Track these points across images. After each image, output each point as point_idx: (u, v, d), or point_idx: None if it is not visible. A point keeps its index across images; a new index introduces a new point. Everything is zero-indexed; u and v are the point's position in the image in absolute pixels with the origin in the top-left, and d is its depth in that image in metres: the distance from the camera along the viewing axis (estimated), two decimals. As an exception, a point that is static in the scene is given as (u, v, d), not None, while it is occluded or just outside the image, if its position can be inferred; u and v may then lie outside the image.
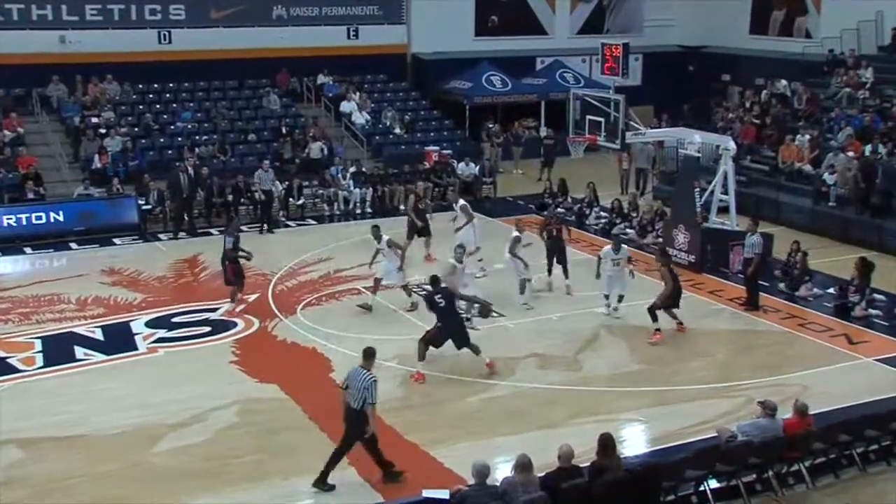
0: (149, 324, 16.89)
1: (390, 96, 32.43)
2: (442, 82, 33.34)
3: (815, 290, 18.47)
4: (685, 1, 36.55)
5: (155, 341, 16.11)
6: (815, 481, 11.42)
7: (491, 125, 31.41)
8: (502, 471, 10.77)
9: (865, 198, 22.32)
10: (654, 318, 16.12)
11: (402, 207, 25.71)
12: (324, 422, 12.88)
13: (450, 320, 14.53)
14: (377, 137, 29.66)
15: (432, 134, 30.68)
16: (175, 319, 17.12)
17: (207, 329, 16.67)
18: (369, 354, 11.44)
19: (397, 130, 30.15)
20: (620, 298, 17.41)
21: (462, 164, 27.53)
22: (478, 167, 27.76)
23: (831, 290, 18.33)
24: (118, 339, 16.14)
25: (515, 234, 18.06)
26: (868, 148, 23.73)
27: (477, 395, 13.89)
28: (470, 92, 32.34)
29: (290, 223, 24.57)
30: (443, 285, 15.00)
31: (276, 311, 17.58)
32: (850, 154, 23.71)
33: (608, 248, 17.50)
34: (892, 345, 16.03)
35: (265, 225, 23.54)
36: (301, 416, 13.21)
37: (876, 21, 29.32)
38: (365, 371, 11.17)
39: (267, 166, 24.07)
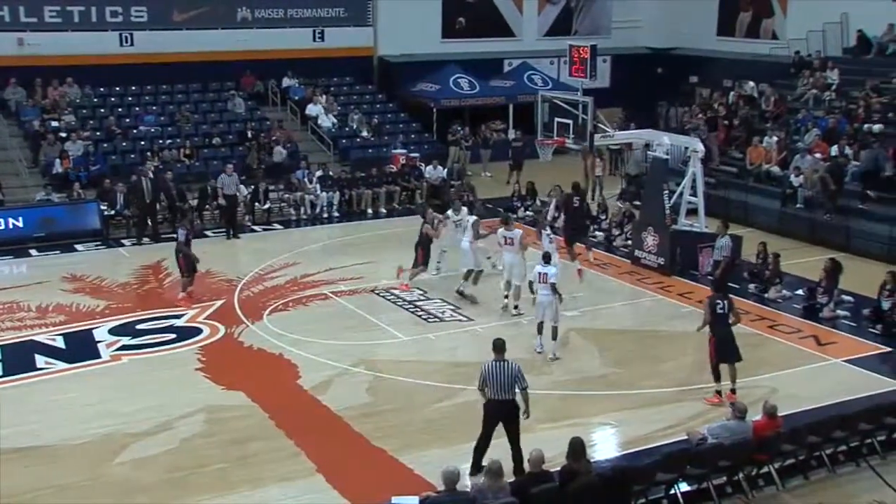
0: (112, 331, 16.71)
1: (357, 99, 32.40)
2: (409, 85, 33.34)
3: (785, 291, 18.66)
4: (653, 2, 36.84)
5: (118, 349, 15.94)
6: (784, 483, 11.52)
7: (459, 128, 31.42)
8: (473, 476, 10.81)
9: (834, 200, 22.57)
10: (717, 377, 13.73)
11: (378, 211, 25.80)
12: (291, 429, 12.84)
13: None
14: (344, 141, 29.61)
15: (400, 137, 30.69)
16: (139, 326, 16.97)
17: (172, 336, 16.54)
18: (500, 347, 11.56)
19: (364, 133, 30.11)
20: (555, 333, 15.60)
21: (430, 168, 27.54)
22: (445, 170, 27.79)
23: (800, 292, 18.51)
24: (80, 348, 15.96)
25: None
26: (835, 149, 24.02)
27: (447, 400, 13.89)
28: (437, 94, 32.36)
29: (255, 228, 24.41)
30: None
31: (243, 317, 17.47)
32: (818, 156, 23.98)
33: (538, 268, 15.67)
34: (860, 346, 16.24)
35: (231, 230, 23.40)
36: (268, 423, 13.13)
37: (841, 23, 29.70)
38: (504, 362, 11.34)
39: (230, 170, 23.88)
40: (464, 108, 32.86)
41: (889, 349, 16.12)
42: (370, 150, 29.45)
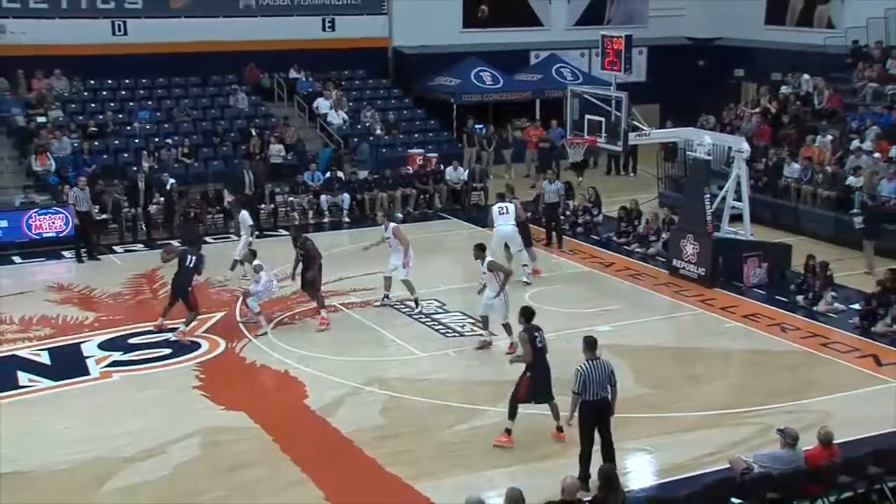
0: (102, 346, 16.78)
1: (370, 94, 32.51)
2: (426, 79, 33.43)
3: (838, 305, 18.50)
4: (694, -11, 36.82)
5: (109, 365, 16.00)
6: (840, 518, 11.43)
7: (481, 125, 31.37)
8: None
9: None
10: (514, 414, 13.06)
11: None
12: (297, 454, 12.83)
13: None
14: (355, 139, 29.67)
15: (416, 135, 30.75)
16: (131, 341, 17.02)
17: (168, 351, 16.58)
18: (592, 344, 12.04)
19: (378, 132, 30.16)
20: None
21: (450, 169, 27.57)
22: (466, 171, 27.81)
23: (856, 306, 18.33)
24: (67, 364, 16.01)
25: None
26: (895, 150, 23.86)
27: (466, 422, 13.86)
28: (457, 89, 32.41)
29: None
30: None
31: (245, 331, 17.53)
32: (877, 156, 23.79)
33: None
34: (924, 366, 16.08)
35: (88, 251, 22.30)
36: (272, 447, 13.13)
37: (905, 9, 29.51)
38: (598, 360, 11.90)
39: (83, 184, 22.34)
40: (486, 103, 32.91)
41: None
42: (384, 150, 29.50)
